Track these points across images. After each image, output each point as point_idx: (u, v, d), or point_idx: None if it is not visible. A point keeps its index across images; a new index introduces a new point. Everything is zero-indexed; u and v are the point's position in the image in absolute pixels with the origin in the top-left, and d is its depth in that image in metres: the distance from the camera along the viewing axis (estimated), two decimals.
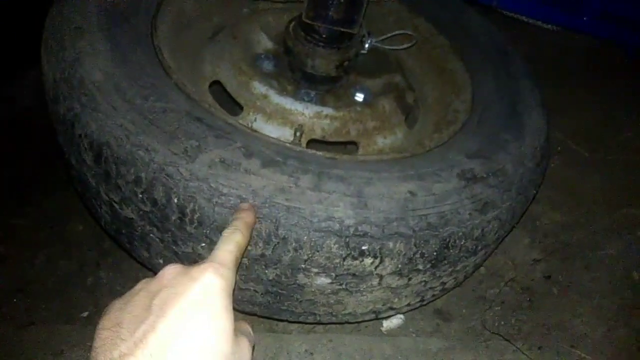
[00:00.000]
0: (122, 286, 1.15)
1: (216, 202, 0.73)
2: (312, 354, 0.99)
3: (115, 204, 0.81)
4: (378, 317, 0.94)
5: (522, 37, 1.50)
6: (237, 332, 0.56)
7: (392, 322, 1.08)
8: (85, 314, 1.10)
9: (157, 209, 0.75)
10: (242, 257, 0.66)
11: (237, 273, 0.61)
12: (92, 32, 0.89)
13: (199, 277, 0.55)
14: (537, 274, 1.17)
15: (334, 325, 1.08)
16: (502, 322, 1.08)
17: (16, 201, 1.31)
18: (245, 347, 0.57)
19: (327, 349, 1.01)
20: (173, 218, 0.75)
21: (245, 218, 0.69)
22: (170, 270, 0.57)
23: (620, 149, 1.42)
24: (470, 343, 1.04)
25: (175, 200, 0.74)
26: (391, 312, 0.95)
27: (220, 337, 0.53)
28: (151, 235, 0.80)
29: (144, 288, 0.55)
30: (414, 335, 1.07)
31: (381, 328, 1.08)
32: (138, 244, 0.85)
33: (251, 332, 0.62)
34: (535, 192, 0.99)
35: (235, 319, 0.57)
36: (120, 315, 0.52)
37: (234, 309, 0.59)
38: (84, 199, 0.95)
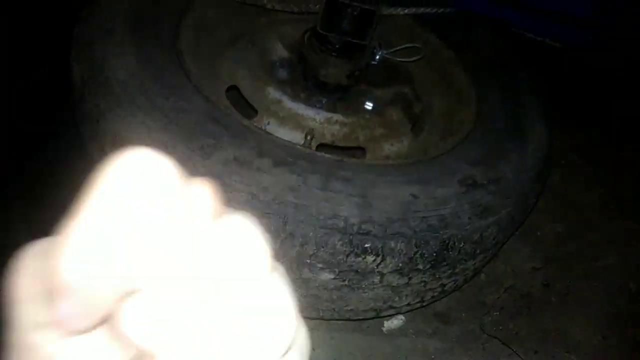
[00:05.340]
0: None
1: (229, 198, 0.77)
2: (314, 349, 1.03)
3: None
4: (379, 315, 0.98)
5: (529, 52, 1.54)
6: None
7: (393, 323, 1.12)
8: None
9: None
10: None
11: None
12: (119, 35, 0.95)
13: None
14: (537, 282, 1.20)
15: (336, 324, 1.12)
16: (500, 327, 1.11)
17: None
18: None
19: (329, 345, 1.04)
20: None
21: None
22: None
23: (622, 164, 1.45)
24: (468, 345, 1.07)
25: None
26: (391, 311, 0.98)
27: None
28: None
29: None
30: (413, 336, 1.10)
31: (382, 328, 1.11)
32: None
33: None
34: (535, 200, 1.02)
35: None
36: None
37: None
38: None
